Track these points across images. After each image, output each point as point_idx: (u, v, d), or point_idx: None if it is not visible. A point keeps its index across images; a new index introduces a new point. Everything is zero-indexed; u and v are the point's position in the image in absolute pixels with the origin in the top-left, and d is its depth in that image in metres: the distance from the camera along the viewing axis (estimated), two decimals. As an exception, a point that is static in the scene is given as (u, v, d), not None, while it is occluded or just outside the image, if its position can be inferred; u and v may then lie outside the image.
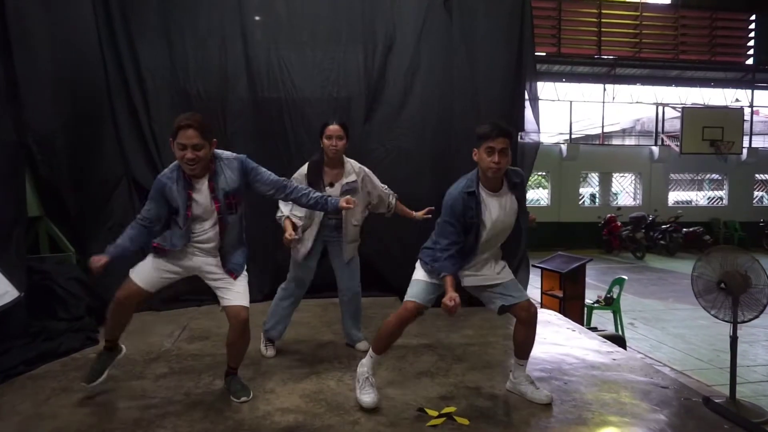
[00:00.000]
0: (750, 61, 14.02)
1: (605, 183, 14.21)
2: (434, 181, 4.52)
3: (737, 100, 14.56)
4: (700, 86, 14.31)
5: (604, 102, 13.84)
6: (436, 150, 4.70)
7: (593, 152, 13.81)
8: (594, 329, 4.47)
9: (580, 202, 14.09)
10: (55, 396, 2.60)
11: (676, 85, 14.28)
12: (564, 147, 13.44)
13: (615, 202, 14.22)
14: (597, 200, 14.42)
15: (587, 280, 5.29)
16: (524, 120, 4.79)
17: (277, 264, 4.55)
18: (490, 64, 4.72)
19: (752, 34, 13.86)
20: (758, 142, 15.23)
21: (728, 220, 13.92)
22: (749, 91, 14.53)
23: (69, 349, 3.23)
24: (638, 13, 13.19)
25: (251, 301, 2.58)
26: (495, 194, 2.41)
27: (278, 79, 4.66)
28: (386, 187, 3.29)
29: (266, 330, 3.24)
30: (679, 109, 13.64)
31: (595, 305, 5.30)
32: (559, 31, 12.70)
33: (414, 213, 3.23)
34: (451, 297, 2.25)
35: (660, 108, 14.27)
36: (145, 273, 2.48)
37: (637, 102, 14.36)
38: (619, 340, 4.12)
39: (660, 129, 14.34)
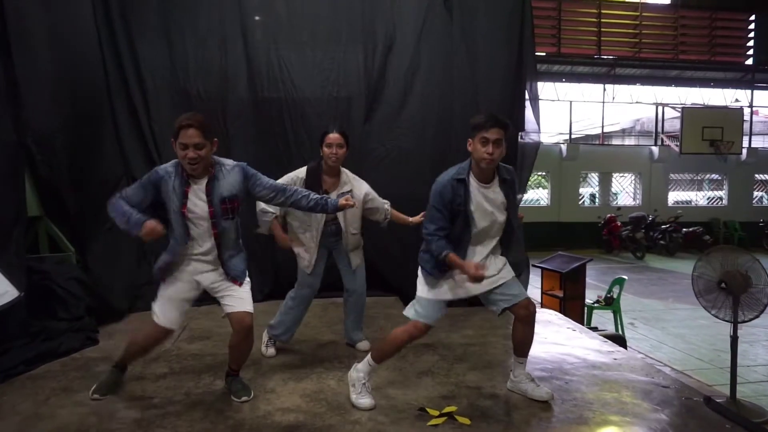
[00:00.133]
0: (750, 61, 14.04)
1: (605, 183, 14.22)
2: (434, 180, 4.51)
3: (737, 100, 14.57)
4: (700, 86, 14.33)
5: (603, 102, 13.85)
6: (436, 150, 4.69)
7: (593, 152, 13.82)
8: (594, 329, 4.47)
9: (580, 202, 14.10)
10: (55, 396, 2.60)
11: (676, 85, 14.29)
12: (564, 147, 13.45)
13: (615, 202, 14.23)
14: (597, 200, 14.43)
15: (587, 280, 5.29)
16: (524, 120, 4.78)
17: (276, 264, 4.55)
18: (491, 64, 4.71)
19: (752, 34, 13.88)
20: (758, 142, 15.24)
21: (728, 220, 13.93)
22: (749, 91, 14.54)
23: (69, 349, 3.22)
24: (638, 13, 13.20)
25: (253, 301, 2.58)
26: (485, 186, 2.40)
27: (278, 79, 4.66)
28: (381, 200, 3.28)
29: (275, 334, 3.25)
30: (679, 109, 13.66)
31: (596, 305, 5.30)
32: (559, 31, 12.71)
33: (410, 219, 3.23)
34: (470, 271, 2.24)
35: (660, 108, 14.29)
36: (169, 313, 2.48)
37: (636, 102, 14.37)
38: (619, 340, 4.12)
39: (660, 129, 14.35)
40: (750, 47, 13.94)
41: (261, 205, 3.00)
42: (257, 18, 4.68)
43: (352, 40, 4.75)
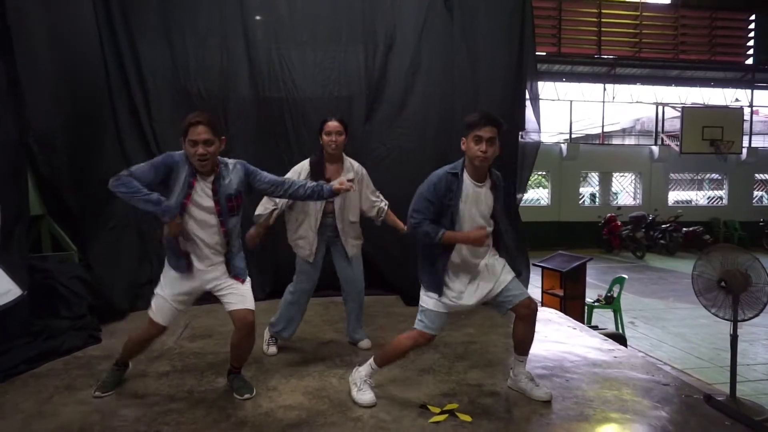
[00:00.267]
0: (750, 61, 14.04)
1: (605, 182, 14.22)
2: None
3: (737, 99, 14.58)
4: (700, 86, 14.34)
5: (604, 101, 13.86)
6: (437, 149, 4.70)
7: (593, 152, 13.82)
8: (595, 328, 4.48)
9: (581, 202, 14.11)
10: (58, 394, 2.61)
11: (676, 85, 14.30)
12: (564, 146, 13.46)
13: (615, 202, 14.23)
14: (597, 200, 14.44)
15: (588, 279, 5.29)
16: (525, 119, 4.80)
17: (277, 263, 4.56)
18: (491, 64, 4.73)
19: (752, 34, 13.88)
20: (758, 142, 15.25)
21: (728, 219, 13.93)
22: (749, 91, 14.55)
23: (71, 348, 3.23)
24: (638, 13, 13.21)
25: (254, 299, 2.59)
26: (478, 184, 2.41)
27: (279, 79, 4.68)
28: (378, 194, 3.30)
29: (277, 331, 3.25)
30: (679, 109, 13.67)
31: (596, 304, 5.31)
32: (560, 31, 12.72)
33: (402, 226, 3.22)
34: (471, 237, 2.25)
35: (660, 108, 14.29)
36: (165, 311, 2.51)
37: (637, 102, 14.38)
38: (619, 339, 4.13)
39: (660, 129, 14.36)
40: (750, 47, 13.95)
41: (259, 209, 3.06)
42: (258, 18, 4.70)
43: (353, 40, 4.77)
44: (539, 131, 4.92)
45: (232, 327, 2.53)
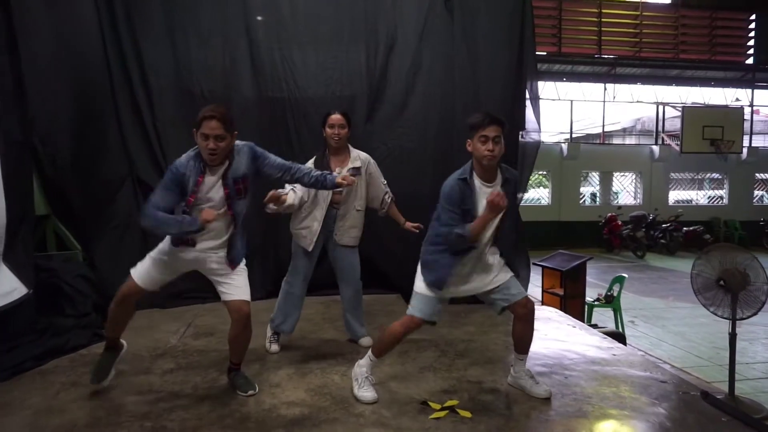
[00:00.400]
0: (750, 61, 14.04)
1: (606, 182, 14.24)
2: (436, 180, 4.49)
3: (737, 99, 14.59)
4: (701, 85, 14.34)
5: (604, 101, 13.88)
6: (438, 149, 4.73)
7: (594, 151, 13.84)
8: (594, 326, 4.50)
9: (581, 201, 14.13)
10: (65, 390, 2.65)
11: (677, 85, 14.31)
12: (565, 146, 13.48)
13: (615, 201, 14.25)
14: (598, 199, 14.46)
15: (588, 278, 5.32)
16: (525, 119, 4.82)
17: (279, 261, 4.58)
18: (492, 64, 4.75)
19: (752, 34, 13.89)
20: (758, 141, 15.26)
21: (728, 219, 13.95)
22: (749, 91, 14.56)
23: (76, 346, 3.27)
24: (638, 13, 13.23)
25: (254, 298, 2.63)
26: (488, 185, 2.44)
27: (281, 79, 4.70)
28: (386, 183, 3.34)
29: (277, 325, 3.27)
30: (680, 109, 13.68)
31: (596, 303, 5.33)
32: (560, 31, 12.74)
33: (404, 221, 3.27)
34: (491, 201, 2.27)
35: (660, 107, 14.31)
36: (146, 272, 2.50)
37: (637, 101, 14.40)
38: (619, 337, 4.16)
39: (660, 128, 14.38)
40: (750, 46, 13.95)
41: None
42: (260, 18, 4.71)
43: (355, 40, 4.79)
44: (539, 131, 4.94)
45: (234, 325, 2.56)
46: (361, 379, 2.56)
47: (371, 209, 3.36)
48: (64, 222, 3.98)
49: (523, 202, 5.11)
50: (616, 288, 5.45)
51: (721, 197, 14.79)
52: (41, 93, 3.73)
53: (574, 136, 14.21)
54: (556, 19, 12.67)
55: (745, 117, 14.01)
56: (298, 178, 2.66)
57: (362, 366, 2.59)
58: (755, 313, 3.33)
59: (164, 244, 2.53)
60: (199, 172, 2.41)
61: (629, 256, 12.01)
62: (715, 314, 3.43)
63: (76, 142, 4.01)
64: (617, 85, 13.85)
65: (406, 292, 4.48)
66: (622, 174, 14.35)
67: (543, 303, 5.20)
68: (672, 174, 14.36)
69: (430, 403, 2.50)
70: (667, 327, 6.04)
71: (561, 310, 4.75)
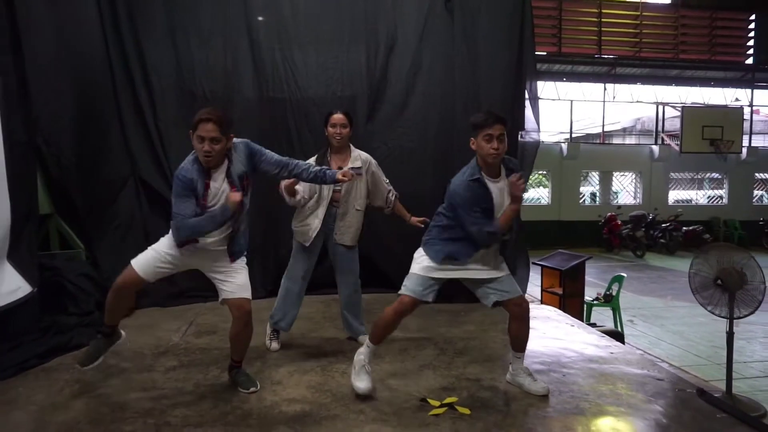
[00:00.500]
0: (750, 61, 14.06)
1: (606, 182, 14.27)
2: (436, 179, 4.59)
3: (737, 99, 14.61)
4: (700, 86, 14.36)
5: (604, 101, 13.90)
6: (438, 149, 4.77)
7: (594, 151, 13.87)
8: (593, 325, 4.53)
9: (581, 201, 14.16)
10: (69, 387, 2.68)
11: (676, 85, 14.33)
12: (565, 146, 13.51)
13: (615, 201, 14.28)
14: (597, 199, 14.48)
15: (588, 278, 5.35)
16: (525, 119, 4.85)
17: (279, 260, 4.61)
18: (491, 64, 4.78)
19: (752, 34, 13.91)
20: (758, 141, 15.27)
21: (728, 218, 13.97)
22: (749, 91, 14.58)
23: (79, 344, 3.28)
24: (638, 13, 13.25)
25: (255, 297, 2.66)
26: (495, 180, 2.49)
27: (282, 79, 4.73)
28: (388, 182, 3.37)
29: (275, 322, 3.31)
30: (679, 109, 13.70)
31: (595, 302, 5.36)
32: (560, 31, 12.76)
33: (410, 216, 3.30)
34: (513, 192, 2.39)
35: (660, 107, 14.34)
36: (146, 263, 2.51)
37: (637, 101, 14.42)
38: (617, 336, 4.19)
39: (660, 128, 14.41)
40: (750, 47, 13.97)
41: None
42: (261, 18, 4.74)
43: (355, 40, 4.82)
44: (538, 131, 4.97)
45: (233, 324, 2.59)
46: (359, 367, 2.60)
47: (377, 208, 3.39)
48: (67, 221, 4.02)
49: (523, 201, 5.13)
50: (615, 287, 5.48)
51: (721, 197, 14.81)
52: (44, 93, 3.77)
53: (574, 135, 14.24)
54: (556, 19, 12.70)
55: (745, 117, 14.03)
56: (296, 174, 2.67)
57: (361, 354, 2.63)
58: (752, 312, 3.36)
59: (168, 239, 2.54)
60: (204, 177, 2.44)
61: (629, 256, 12.03)
62: (713, 313, 3.46)
63: (79, 142, 4.04)
64: (617, 85, 13.87)
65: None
66: (621, 174, 14.37)
67: (542, 302, 5.23)
68: (672, 174, 14.39)
69: (430, 400, 2.53)
70: (665, 326, 6.06)
71: (560, 309, 4.78)
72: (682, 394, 2.70)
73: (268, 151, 2.62)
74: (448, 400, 2.53)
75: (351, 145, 3.27)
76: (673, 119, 14.42)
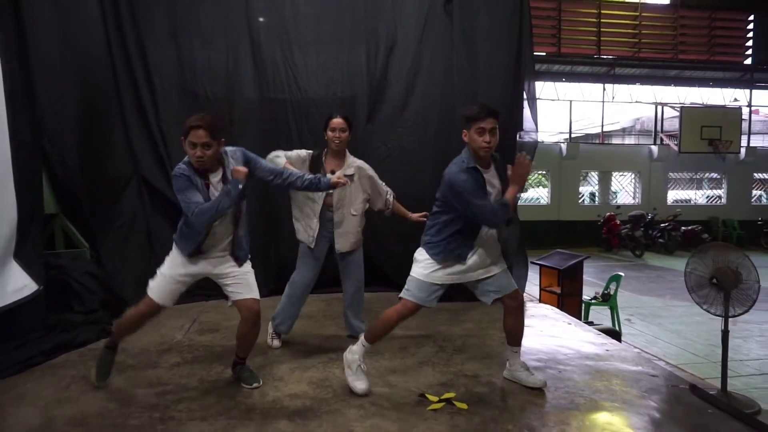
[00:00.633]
0: (749, 61, 14.12)
1: (605, 182, 14.33)
2: (436, 179, 4.54)
3: (736, 99, 14.66)
4: (699, 86, 14.42)
5: (603, 101, 13.96)
6: (437, 149, 4.81)
7: (593, 151, 13.93)
8: (590, 324, 4.59)
9: (580, 201, 14.21)
10: (75, 383, 2.74)
11: (675, 85, 14.39)
12: (564, 146, 13.56)
13: (614, 201, 14.34)
14: (597, 199, 14.54)
15: (586, 277, 5.39)
16: (523, 119, 4.90)
17: (280, 259, 4.68)
18: (490, 65, 4.83)
19: (751, 34, 13.96)
20: (757, 141, 15.32)
21: (727, 218, 14.03)
22: (748, 91, 14.63)
23: (85, 341, 3.35)
24: (637, 13, 13.30)
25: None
26: (487, 171, 2.54)
27: (283, 80, 4.77)
28: (384, 184, 3.42)
29: (276, 324, 3.37)
30: (678, 109, 13.75)
31: (593, 301, 5.41)
32: (559, 31, 12.82)
33: (410, 214, 3.35)
34: (517, 173, 2.41)
35: (659, 107, 14.39)
36: (162, 291, 2.60)
37: (636, 101, 14.48)
38: (613, 334, 4.24)
39: (659, 128, 14.46)
40: (749, 47, 14.03)
41: (273, 154, 3.14)
42: (261, 19, 4.77)
43: (356, 41, 4.86)
44: (536, 130, 5.01)
45: (237, 322, 2.64)
46: (355, 367, 2.63)
47: (378, 212, 3.43)
48: (71, 220, 4.06)
49: (522, 201, 5.20)
50: (612, 286, 5.53)
51: (720, 197, 14.87)
52: (49, 94, 3.81)
53: (573, 135, 14.31)
54: (555, 20, 12.75)
55: (744, 117, 14.08)
56: (290, 182, 2.73)
57: (355, 353, 2.65)
58: (747, 311, 3.40)
59: (173, 258, 2.60)
60: (203, 178, 2.49)
61: (628, 256, 12.08)
62: (708, 312, 3.50)
63: (82, 143, 4.08)
64: (616, 86, 13.93)
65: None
66: (621, 174, 14.43)
67: (541, 301, 5.28)
68: (670, 174, 14.44)
69: (428, 396, 2.59)
70: (663, 325, 6.11)
71: (558, 308, 4.83)
72: (675, 390, 2.76)
73: (261, 158, 2.70)
74: (447, 395, 2.58)
75: (347, 151, 3.32)
76: (672, 119, 14.47)
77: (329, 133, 3.20)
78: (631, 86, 14.17)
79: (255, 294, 2.62)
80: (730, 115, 13.61)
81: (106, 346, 2.76)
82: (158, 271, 2.63)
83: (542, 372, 2.93)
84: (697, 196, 15.34)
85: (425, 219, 3.21)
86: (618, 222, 12.65)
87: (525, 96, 4.90)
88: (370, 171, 3.36)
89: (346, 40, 4.86)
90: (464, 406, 2.49)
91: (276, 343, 3.37)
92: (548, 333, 3.79)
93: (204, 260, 2.58)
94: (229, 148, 2.62)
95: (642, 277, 9.33)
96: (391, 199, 3.40)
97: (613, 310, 5.41)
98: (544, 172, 13.89)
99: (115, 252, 4.24)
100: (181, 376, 2.85)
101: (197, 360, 3.11)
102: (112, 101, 4.47)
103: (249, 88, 4.77)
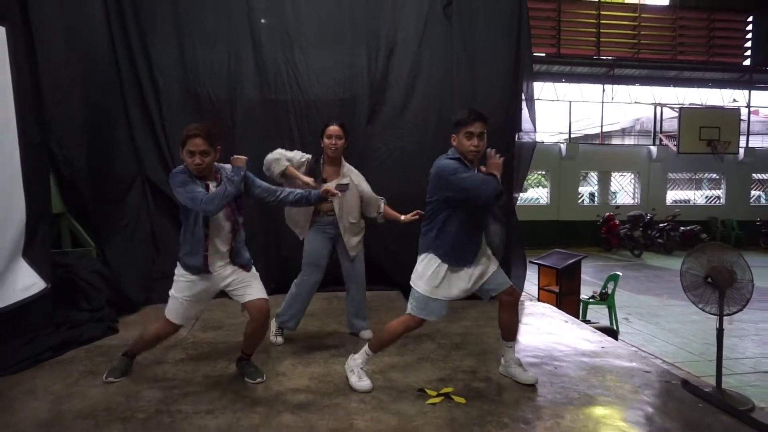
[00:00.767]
0: (747, 62, 14.17)
1: (604, 182, 14.39)
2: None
3: (735, 100, 14.72)
4: (698, 86, 14.48)
5: (603, 102, 14.02)
6: (437, 150, 4.75)
7: (592, 151, 13.99)
8: (588, 322, 4.65)
9: (580, 201, 14.27)
10: (84, 378, 2.81)
11: (674, 86, 14.45)
12: (563, 146, 13.63)
13: (614, 201, 14.39)
14: (596, 199, 14.60)
15: (585, 276, 5.44)
16: (521, 120, 4.96)
17: (280, 258, 4.74)
18: (489, 67, 4.88)
19: (749, 35, 14.02)
20: (756, 142, 15.38)
21: (726, 218, 14.08)
22: (746, 92, 14.68)
23: (91, 338, 3.42)
24: (637, 14, 13.36)
25: None
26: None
27: (285, 81, 4.82)
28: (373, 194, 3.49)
29: (281, 321, 3.44)
30: (677, 110, 13.81)
31: (591, 300, 5.48)
32: (559, 32, 12.88)
33: (401, 217, 3.40)
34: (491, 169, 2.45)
35: (658, 108, 14.45)
36: (178, 313, 2.70)
37: (635, 102, 14.53)
38: (610, 332, 4.30)
39: (658, 129, 14.52)
40: (748, 48, 14.09)
41: (274, 155, 3.20)
42: (263, 21, 4.82)
43: (356, 43, 4.90)
44: (535, 131, 5.07)
45: (241, 319, 2.73)
46: (357, 370, 2.69)
47: (370, 219, 3.51)
48: (78, 220, 4.13)
49: (521, 201, 5.26)
50: (610, 286, 5.59)
51: (719, 197, 14.92)
52: (56, 95, 3.88)
53: (572, 136, 14.38)
54: (555, 21, 12.81)
55: (743, 118, 14.13)
56: (282, 198, 2.80)
57: (357, 359, 2.72)
58: (741, 309, 3.46)
59: (181, 282, 2.66)
60: (201, 183, 2.55)
61: (627, 255, 12.14)
62: (703, 310, 3.55)
63: (89, 143, 4.14)
64: (616, 86, 13.99)
65: (405, 289, 4.63)
66: (620, 174, 14.49)
67: (539, 300, 5.34)
68: (670, 174, 14.50)
69: (427, 390, 2.66)
70: (660, 324, 6.18)
71: (556, 306, 4.89)
72: (667, 385, 2.83)
73: (257, 178, 2.78)
74: (445, 390, 2.65)
75: (343, 158, 3.38)
76: (671, 120, 14.53)
77: (325, 141, 3.27)
78: (630, 87, 14.23)
79: (263, 294, 2.70)
80: (729, 116, 13.67)
81: (124, 354, 2.86)
82: (170, 294, 2.72)
83: (538, 368, 3.00)
84: (696, 197, 15.40)
85: (417, 217, 3.28)
86: (617, 222, 12.71)
87: (524, 97, 4.96)
88: (363, 180, 3.44)
89: (347, 41, 4.91)
90: (462, 400, 2.56)
91: (279, 339, 3.44)
92: (545, 330, 3.86)
93: (209, 279, 2.66)
94: (226, 166, 2.69)
95: (640, 277, 9.39)
96: (382, 205, 3.47)
97: (611, 309, 5.47)
98: (543, 173, 13.96)
99: (121, 251, 4.31)
100: (186, 371, 2.92)
101: (201, 356, 3.18)
102: (116, 102, 4.53)
103: (250, 89, 4.82)
